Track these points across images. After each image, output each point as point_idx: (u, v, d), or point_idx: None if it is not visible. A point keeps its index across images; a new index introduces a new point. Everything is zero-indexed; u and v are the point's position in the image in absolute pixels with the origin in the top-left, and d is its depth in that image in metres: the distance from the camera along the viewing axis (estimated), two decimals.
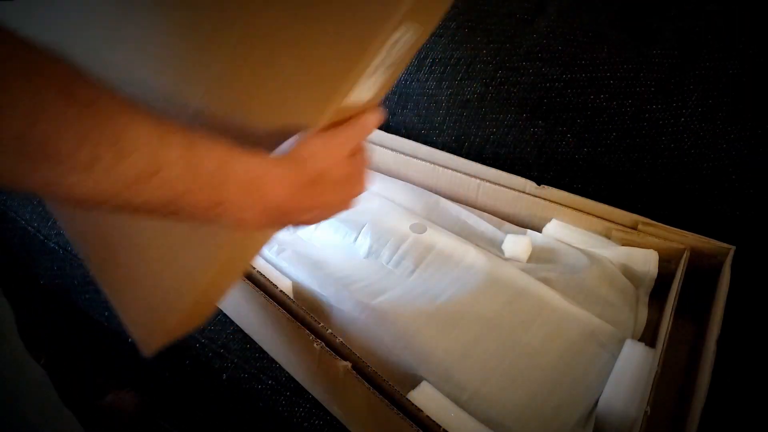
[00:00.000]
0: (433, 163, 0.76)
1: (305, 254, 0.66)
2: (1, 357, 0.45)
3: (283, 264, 0.64)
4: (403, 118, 0.90)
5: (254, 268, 0.59)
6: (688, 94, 0.71)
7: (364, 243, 0.66)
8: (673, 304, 0.55)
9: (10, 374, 0.46)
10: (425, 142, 0.78)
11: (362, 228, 0.68)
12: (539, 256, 0.66)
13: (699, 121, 0.70)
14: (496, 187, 0.72)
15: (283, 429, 0.59)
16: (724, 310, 0.53)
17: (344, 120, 0.34)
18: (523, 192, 0.71)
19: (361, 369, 0.49)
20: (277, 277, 0.61)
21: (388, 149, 0.79)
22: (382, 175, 0.79)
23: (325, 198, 0.35)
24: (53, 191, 0.24)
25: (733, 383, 0.54)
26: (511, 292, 0.59)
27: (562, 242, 0.68)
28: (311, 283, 0.62)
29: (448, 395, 0.50)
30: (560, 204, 0.69)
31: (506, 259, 0.66)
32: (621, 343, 0.55)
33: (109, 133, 0.24)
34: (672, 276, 0.62)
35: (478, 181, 0.73)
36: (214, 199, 0.29)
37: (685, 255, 0.61)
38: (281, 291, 0.57)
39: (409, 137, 0.79)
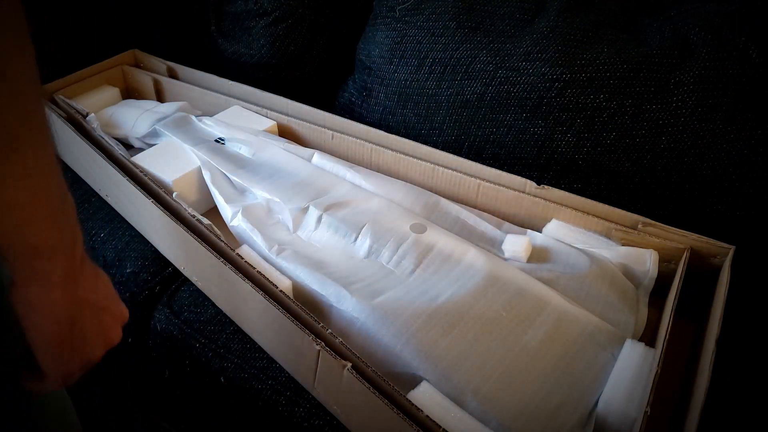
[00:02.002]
0: (433, 163, 0.76)
1: (305, 254, 0.66)
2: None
3: (283, 264, 0.64)
4: (403, 118, 0.90)
5: (254, 268, 0.59)
6: (687, 94, 0.71)
7: (364, 243, 0.66)
8: (673, 304, 0.55)
9: None
10: (425, 142, 0.78)
11: (362, 228, 0.68)
12: (539, 256, 0.66)
13: (698, 121, 0.70)
14: (496, 187, 0.72)
15: (283, 429, 0.59)
16: (723, 310, 0.53)
17: None
18: (523, 192, 0.71)
19: (361, 369, 0.49)
20: (277, 277, 0.61)
21: (388, 149, 0.79)
22: (382, 175, 0.79)
23: None
24: None
25: (733, 383, 0.54)
26: (510, 291, 0.59)
27: (562, 242, 0.68)
28: (311, 283, 0.62)
29: (448, 395, 0.50)
30: (560, 204, 0.69)
31: (506, 259, 0.66)
32: (621, 343, 0.55)
33: None
34: (672, 276, 0.62)
35: (477, 181, 0.73)
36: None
37: (685, 255, 0.61)
38: (281, 291, 0.57)
39: (408, 137, 0.79)
